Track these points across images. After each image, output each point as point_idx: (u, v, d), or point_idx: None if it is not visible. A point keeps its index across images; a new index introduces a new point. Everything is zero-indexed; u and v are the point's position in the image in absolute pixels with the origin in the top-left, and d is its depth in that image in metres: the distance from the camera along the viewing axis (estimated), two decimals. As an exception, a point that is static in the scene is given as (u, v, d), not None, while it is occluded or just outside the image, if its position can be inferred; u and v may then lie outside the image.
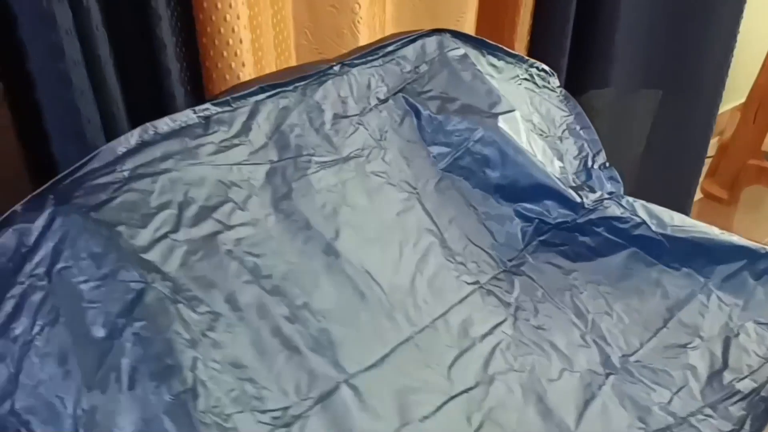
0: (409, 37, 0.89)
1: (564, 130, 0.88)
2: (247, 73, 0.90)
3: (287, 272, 0.65)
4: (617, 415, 0.62)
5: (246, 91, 0.78)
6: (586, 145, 0.88)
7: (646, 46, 1.31)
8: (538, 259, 0.75)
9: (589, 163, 0.86)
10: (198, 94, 0.90)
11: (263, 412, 0.56)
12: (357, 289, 0.66)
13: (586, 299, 0.72)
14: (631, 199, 0.78)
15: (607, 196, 0.78)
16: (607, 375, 0.65)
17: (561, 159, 0.87)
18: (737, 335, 0.67)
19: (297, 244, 0.67)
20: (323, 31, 1.04)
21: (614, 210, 0.75)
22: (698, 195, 1.90)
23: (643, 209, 0.75)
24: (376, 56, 0.86)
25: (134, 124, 0.85)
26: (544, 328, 0.69)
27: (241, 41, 0.88)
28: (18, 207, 0.61)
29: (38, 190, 0.62)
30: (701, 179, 1.91)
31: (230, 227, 0.66)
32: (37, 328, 0.54)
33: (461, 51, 0.89)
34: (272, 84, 0.80)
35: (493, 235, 0.77)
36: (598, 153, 0.87)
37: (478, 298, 0.71)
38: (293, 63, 1.04)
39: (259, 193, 0.70)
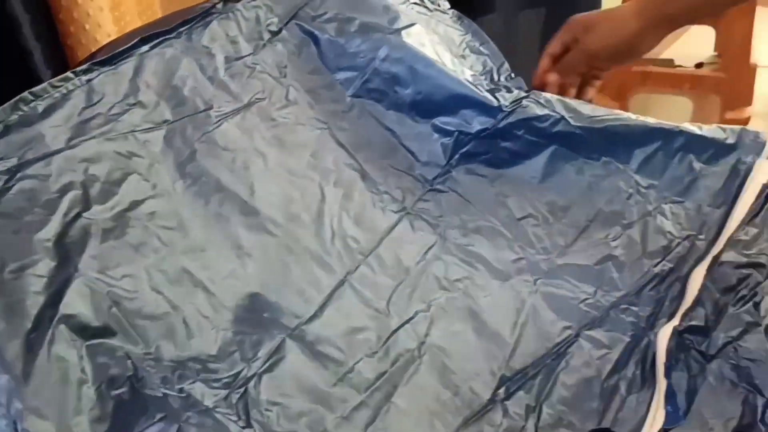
0: None
1: (464, 49, 0.85)
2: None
3: (207, 240, 0.62)
4: (546, 319, 0.63)
5: (126, 46, 0.72)
6: (488, 59, 0.85)
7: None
8: (462, 173, 0.74)
9: (495, 77, 0.84)
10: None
11: (215, 380, 0.56)
12: (282, 244, 0.64)
13: (512, 205, 0.71)
14: (548, 95, 0.76)
15: (524, 94, 0.75)
16: (536, 281, 0.66)
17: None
18: (655, 217, 0.67)
19: (213, 208, 0.64)
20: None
21: (534, 109, 0.73)
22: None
23: (560, 104, 0.73)
24: None
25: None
26: (472, 243, 0.69)
27: (101, 9, 0.82)
28: None
29: None
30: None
31: (139, 202, 0.62)
32: None
33: None
34: (154, 33, 0.74)
35: (414, 155, 0.75)
36: (501, 65, 0.85)
37: (406, 225, 0.69)
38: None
39: (161, 159, 0.65)
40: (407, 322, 0.61)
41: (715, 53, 2.16)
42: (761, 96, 2.05)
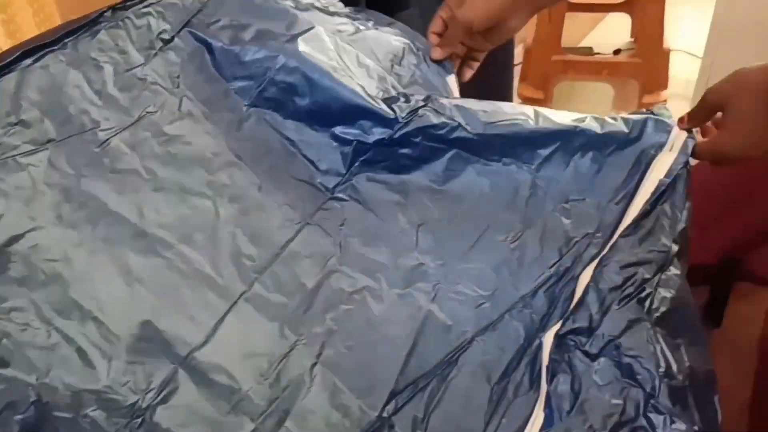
0: None
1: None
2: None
3: (94, 268, 0.60)
4: (442, 326, 0.62)
5: (6, 60, 0.69)
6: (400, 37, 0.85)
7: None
8: (362, 180, 0.72)
9: (414, 49, 0.84)
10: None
11: (113, 410, 0.54)
12: (173, 266, 0.62)
13: (413, 211, 0.70)
14: (446, 100, 0.74)
15: (422, 103, 0.74)
16: (434, 286, 0.64)
17: (377, 59, 0.83)
18: (554, 217, 0.67)
19: (100, 233, 0.62)
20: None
21: (430, 118, 0.72)
22: (516, 101, 1.99)
23: (456, 111, 0.72)
24: None
25: None
26: (373, 252, 0.67)
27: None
28: None
29: None
30: (516, 85, 2.06)
31: (19, 236, 0.60)
32: None
33: None
34: (37, 45, 0.71)
35: (314, 164, 0.73)
36: (415, 39, 0.84)
37: (305, 237, 0.68)
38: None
39: (45, 185, 0.63)
40: (300, 342, 0.60)
41: (632, 39, 2.21)
42: (675, 78, 2.11)
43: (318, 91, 0.73)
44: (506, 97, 1.54)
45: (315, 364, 0.59)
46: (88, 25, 0.74)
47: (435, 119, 0.72)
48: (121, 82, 0.71)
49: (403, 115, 0.72)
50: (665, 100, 2.05)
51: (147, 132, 0.69)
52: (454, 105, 0.74)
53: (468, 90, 0.88)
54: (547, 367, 0.56)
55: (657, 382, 0.54)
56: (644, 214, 0.64)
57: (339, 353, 0.60)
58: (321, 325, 0.61)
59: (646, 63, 2.04)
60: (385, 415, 0.56)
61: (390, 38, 0.85)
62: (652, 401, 0.54)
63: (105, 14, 0.76)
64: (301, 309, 0.62)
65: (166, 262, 0.62)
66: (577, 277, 0.63)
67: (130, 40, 0.75)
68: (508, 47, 1.54)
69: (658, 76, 2.06)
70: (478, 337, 0.61)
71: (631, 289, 0.60)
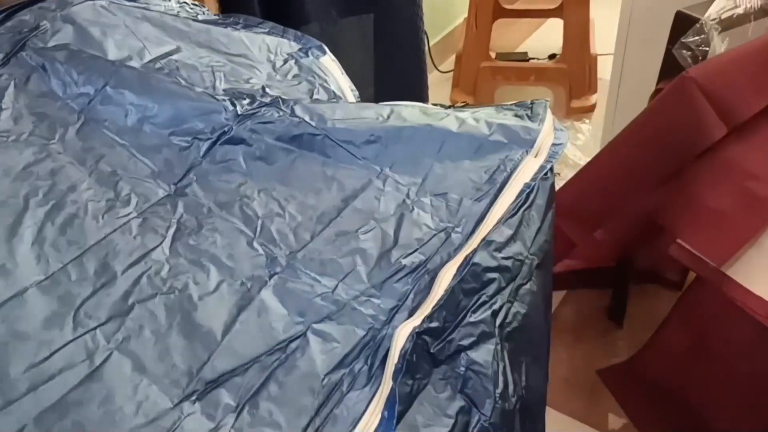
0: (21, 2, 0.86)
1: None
2: None
3: None
4: (274, 315, 0.58)
5: None
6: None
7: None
8: (205, 177, 0.71)
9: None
10: None
11: None
12: None
13: (257, 206, 0.67)
14: (293, 101, 0.74)
15: (267, 101, 0.74)
16: (271, 276, 0.61)
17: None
18: (412, 210, 0.64)
19: None
20: None
21: (272, 114, 0.72)
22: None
23: (302, 109, 0.72)
24: None
25: None
26: (206, 243, 0.64)
27: None
28: None
29: None
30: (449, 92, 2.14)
31: None
32: None
33: (90, 3, 0.86)
34: None
35: (150, 165, 0.72)
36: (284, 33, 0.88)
37: (132, 229, 0.65)
38: None
39: None
40: (93, 329, 0.56)
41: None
42: (607, 82, 2.11)
43: (154, 98, 0.75)
44: (422, 100, 1.55)
45: (104, 353, 0.54)
46: None
47: (277, 114, 0.72)
48: None
49: (243, 109, 0.73)
50: (593, 105, 2.06)
51: None
52: (302, 105, 0.73)
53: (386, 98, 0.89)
54: (396, 365, 0.52)
55: (491, 404, 0.53)
56: (508, 217, 0.62)
57: (143, 339, 0.56)
58: (127, 311, 0.58)
59: (571, 68, 2.04)
60: (187, 401, 0.52)
61: (262, 36, 0.89)
62: (482, 421, 0.53)
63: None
64: (106, 297, 0.59)
65: None
66: (434, 271, 0.59)
67: None
68: (413, 31, 1.54)
69: (585, 81, 2.06)
70: (314, 326, 0.57)
71: (486, 297, 0.58)
